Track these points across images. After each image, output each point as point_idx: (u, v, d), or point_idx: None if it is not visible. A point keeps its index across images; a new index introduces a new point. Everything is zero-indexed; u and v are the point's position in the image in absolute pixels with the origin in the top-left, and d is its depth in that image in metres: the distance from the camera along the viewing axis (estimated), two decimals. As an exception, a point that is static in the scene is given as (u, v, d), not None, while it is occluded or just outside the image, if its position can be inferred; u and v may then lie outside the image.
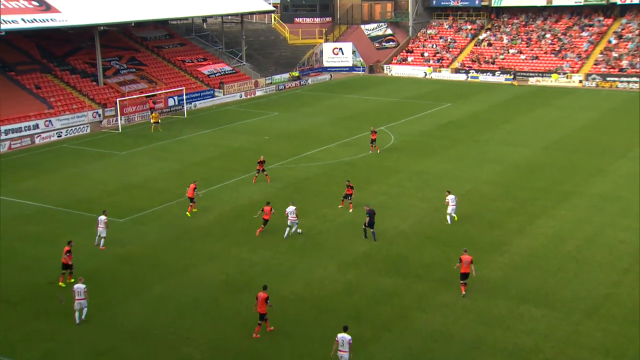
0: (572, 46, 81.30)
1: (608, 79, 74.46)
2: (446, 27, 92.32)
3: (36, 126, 54.43)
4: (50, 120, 55.43)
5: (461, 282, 26.02)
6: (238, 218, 34.59)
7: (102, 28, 67.27)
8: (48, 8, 58.62)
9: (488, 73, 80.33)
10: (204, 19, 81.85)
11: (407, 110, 61.72)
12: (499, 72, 79.81)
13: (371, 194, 37.69)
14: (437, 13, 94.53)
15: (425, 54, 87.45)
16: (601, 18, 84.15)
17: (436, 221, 33.64)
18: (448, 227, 32.84)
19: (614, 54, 77.50)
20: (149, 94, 62.60)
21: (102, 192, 39.16)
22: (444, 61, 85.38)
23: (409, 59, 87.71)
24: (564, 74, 77.13)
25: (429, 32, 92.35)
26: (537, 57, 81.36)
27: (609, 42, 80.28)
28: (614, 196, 37.17)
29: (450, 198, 33.24)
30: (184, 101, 63.25)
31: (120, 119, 57.25)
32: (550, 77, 77.25)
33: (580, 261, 28.93)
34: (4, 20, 52.97)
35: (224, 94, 70.03)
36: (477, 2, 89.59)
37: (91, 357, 22.32)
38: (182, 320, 24.36)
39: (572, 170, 42.30)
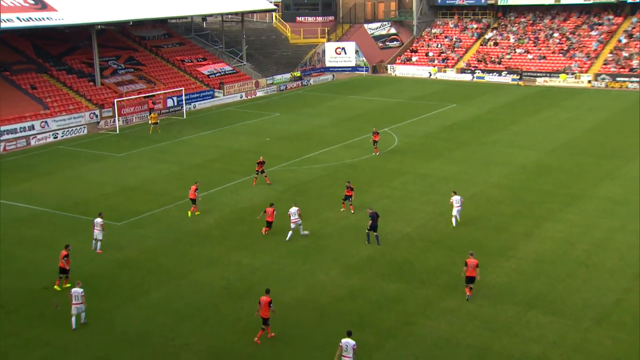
0: (580, 45, 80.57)
1: (618, 79, 73.71)
2: (451, 26, 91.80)
3: (32, 127, 53.99)
4: (46, 121, 55.03)
5: (466, 285, 25.79)
6: (238, 221, 34.40)
7: (99, 27, 66.93)
8: (44, 6, 58.31)
9: (494, 73, 79.80)
10: (204, 17, 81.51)
11: (411, 111, 61.44)
12: (506, 73, 79.28)
13: (374, 197, 37.44)
14: (442, 12, 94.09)
15: (430, 54, 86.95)
16: (611, 16, 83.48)
17: (441, 225, 33.39)
18: (453, 231, 32.53)
19: (624, 54, 76.68)
20: (147, 94, 62.28)
21: (99, 195, 39.00)
22: (449, 61, 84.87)
23: (413, 58, 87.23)
24: (573, 74, 76.45)
25: (433, 31, 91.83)
26: (544, 57, 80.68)
27: (619, 41, 79.52)
28: (624, 200, 36.77)
29: (455, 199, 33.05)
30: (183, 102, 62.84)
31: (118, 120, 56.85)
32: (558, 77, 76.61)
33: (590, 267, 28.62)
34: (-2, 19, 52.76)
35: (224, 95, 69.72)
36: (483, 0, 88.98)
37: (87, 365, 22.15)
38: (181, 327, 24.11)
39: (581, 173, 41.96)
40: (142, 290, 27.01)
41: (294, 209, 31.49)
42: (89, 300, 24.39)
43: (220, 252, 30.60)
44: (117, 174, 43.24)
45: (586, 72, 76.16)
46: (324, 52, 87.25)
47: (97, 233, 30.44)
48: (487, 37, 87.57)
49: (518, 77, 77.21)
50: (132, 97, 61.65)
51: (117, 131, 55.57)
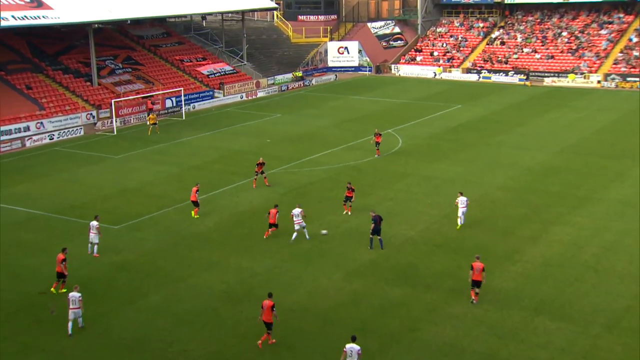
0: (590, 45, 79.89)
1: (628, 79, 72.98)
2: (457, 25, 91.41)
3: (27, 128, 53.64)
4: (41, 122, 54.69)
5: (472, 288, 25.57)
6: (238, 224, 34.25)
7: (96, 26, 66.27)
8: (40, 4, 58.01)
9: (501, 73, 79.34)
10: (203, 16, 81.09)
11: (416, 112, 61.20)
12: (513, 72, 78.81)
13: (378, 199, 37.21)
14: (447, 10, 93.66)
15: (435, 53, 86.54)
16: (621, 15, 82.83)
17: (446, 228, 33.16)
18: (459, 234, 32.28)
19: (635, 53, 75.94)
20: (146, 94, 62.01)
21: (96, 197, 38.82)
22: (454, 61, 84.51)
23: (418, 58, 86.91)
24: (582, 74, 75.84)
25: (438, 30, 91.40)
26: (552, 57, 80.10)
27: (630, 40, 78.79)
28: (634, 202, 36.38)
29: (461, 200, 32.91)
30: (182, 102, 62.47)
31: (116, 121, 56.45)
32: (567, 77, 76.03)
33: (599, 271, 28.31)
34: (-7, 17, 52.52)
35: (224, 95, 69.44)
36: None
37: (83, 371, 22.09)
38: (180, 331, 23.95)
39: (589, 174, 41.67)
40: (140, 293, 26.89)
41: (297, 210, 31.34)
42: (86, 304, 24.29)
43: (219, 255, 30.45)
44: (114, 176, 43.03)
45: (595, 72, 75.52)
46: (326, 51, 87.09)
47: (93, 236, 30.23)
48: (493, 36, 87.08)
49: (525, 77, 76.68)
50: (130, 97, 61.40)
51: (115, 132, 55.30)
